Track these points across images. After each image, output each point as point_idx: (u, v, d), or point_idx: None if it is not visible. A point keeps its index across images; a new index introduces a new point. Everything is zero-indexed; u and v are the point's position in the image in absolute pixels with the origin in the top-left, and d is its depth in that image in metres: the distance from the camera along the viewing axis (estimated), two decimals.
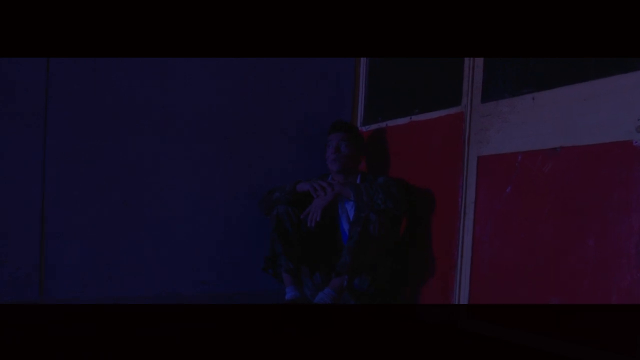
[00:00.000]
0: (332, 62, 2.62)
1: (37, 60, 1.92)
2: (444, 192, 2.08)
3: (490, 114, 1.90)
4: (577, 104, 1.60)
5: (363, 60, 2.68)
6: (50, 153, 1.91)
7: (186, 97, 2.23)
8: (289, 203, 2.13)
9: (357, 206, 2.04)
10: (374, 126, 2.55)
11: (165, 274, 2.15)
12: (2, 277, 1.83)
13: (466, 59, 2.01)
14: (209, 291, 2.26)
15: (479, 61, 1.96)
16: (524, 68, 1.81)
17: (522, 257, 1.75)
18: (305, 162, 2.51)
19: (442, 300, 2.05)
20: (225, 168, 2.32)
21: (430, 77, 2.25)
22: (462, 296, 1.96)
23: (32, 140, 1.88)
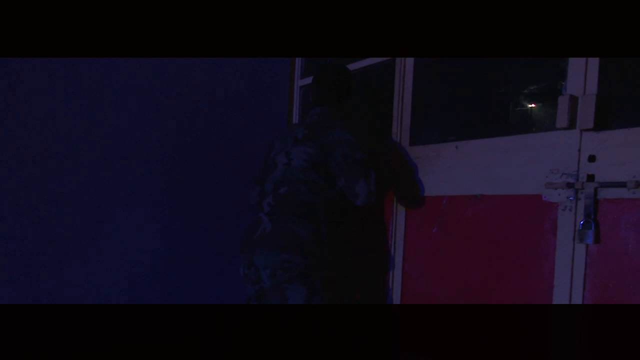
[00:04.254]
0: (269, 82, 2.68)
1: None
2: (378, 231, 2.18)
3: (418, 156, 2.03)
4: (495, 156, 1.76)
5: (296, 94, 2.71)
6: None
7: (122, 123, 2.20)
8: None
9: None
10: None
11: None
12: None
13: (395, 103, 2.12)
14: None
15: (407, 105, 2.08)
16: (448, 117, 1.95)
17: (448, 294, 1.89)
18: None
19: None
20: (163, 195, 2.36)
21: (362, 116, 2.34)
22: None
23: None
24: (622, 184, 1.43)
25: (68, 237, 2.08)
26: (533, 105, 1.72)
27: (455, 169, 1.88)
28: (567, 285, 1.54)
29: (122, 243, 2.24)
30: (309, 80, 2.65)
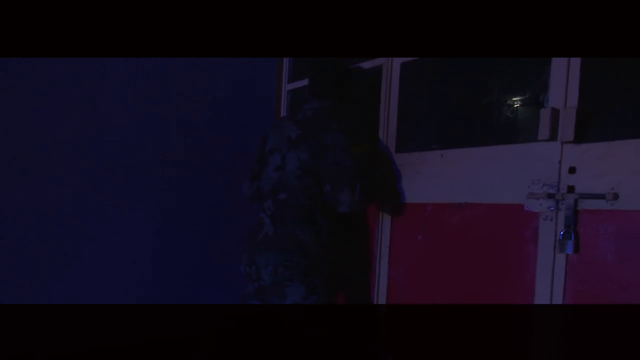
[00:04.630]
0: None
1: None
2: (366, 236, 2.20)
3: (403, 164, 2.05)
4: (479, 165, 1.79)
5: (283, 98, 2.72)
6: None
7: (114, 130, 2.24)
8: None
9: None
10: None
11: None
12: None
13: (382, 110, 2.13)
14: None
15: (394, 112, 2.09)
16: (433, 125, 1.98)
17: (432, 299, 1.93)
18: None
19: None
20: (163, 196, 2.41)
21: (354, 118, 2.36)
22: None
23: None
24: (600, 196, 1.46)
25: (68, 238, 2.13)
26: (516, 115, 1.74)
27: (440, 177, 1.91)
28: (548, 293, 1.57)
29: (121, 244, 2.28)
30: (295, 84, 2.65)
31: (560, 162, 1.57)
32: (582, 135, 1.52)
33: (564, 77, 1.56)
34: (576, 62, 1.54)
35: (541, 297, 1.59)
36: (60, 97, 2.07)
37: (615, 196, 1.43)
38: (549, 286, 1.57)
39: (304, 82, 2.53)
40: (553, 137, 1.57)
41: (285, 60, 2.74)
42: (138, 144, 2.31)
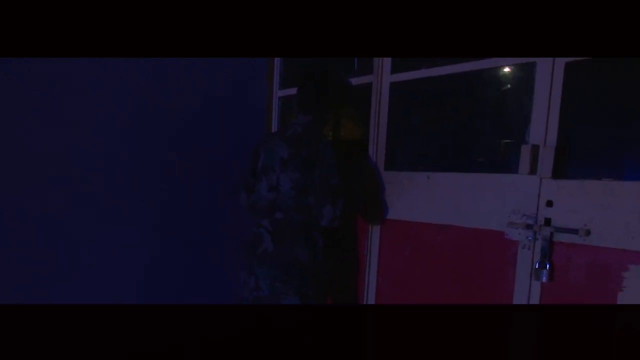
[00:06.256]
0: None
1: None
2: (357, 249, 2.31)
3: (392, 181, 2.13)
4: (463, 191, 1.87)
5: (275, 105, 2.75)
6: None
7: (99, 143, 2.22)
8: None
9: None
10: None
11: None
12: None
13: (371, 127, 2.19)
14: None
15: (382, 130, 2.15)
16: (421, 147, 2.05)
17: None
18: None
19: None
20: (161, 199, 2.42)
21: (345, 130, 2.42)
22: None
23: None
24: (574, 231, 1.56)
25: (66, 239, 2.16)
26: (500, 146, 1.82)
27: (426, 198, 2.00)
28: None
29: (121, 244, 2.32)
30: (287, 91, 2.68)
31: (538, 196, 1.66)
32: (560, 171, 1.61)
33: (545, 114, 1.63)
34: (557, 99, 1.61)
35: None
36: (60, 97, 2.07)
37: (587, 232, 1.54)
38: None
39: (295, 90, 2.57)
40: (533, 171, 1.65)
41: (276, 66, 2.75)
42: (138, 145, 2.32)
